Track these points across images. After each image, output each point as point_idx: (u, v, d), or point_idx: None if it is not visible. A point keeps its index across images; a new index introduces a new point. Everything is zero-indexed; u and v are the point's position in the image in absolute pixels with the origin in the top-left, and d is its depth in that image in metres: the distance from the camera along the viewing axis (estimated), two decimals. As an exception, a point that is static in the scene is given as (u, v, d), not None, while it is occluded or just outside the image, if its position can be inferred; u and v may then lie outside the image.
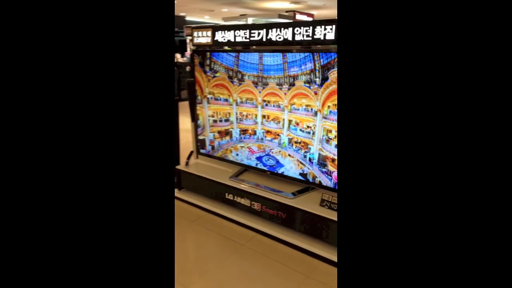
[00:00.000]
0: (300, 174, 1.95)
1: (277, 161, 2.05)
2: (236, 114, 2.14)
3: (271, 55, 1.87)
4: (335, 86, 1.68)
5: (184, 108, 2.49)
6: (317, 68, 1.72)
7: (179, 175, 2.44)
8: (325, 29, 1.65)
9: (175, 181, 2.44)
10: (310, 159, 1.89)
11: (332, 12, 9.18)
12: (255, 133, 2.10)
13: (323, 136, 1.79)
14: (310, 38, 1.71)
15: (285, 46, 1.82)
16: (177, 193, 2.46)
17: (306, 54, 1.74)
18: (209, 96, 2.24)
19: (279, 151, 2.02)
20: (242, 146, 2.19)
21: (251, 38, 1.92)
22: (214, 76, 2.16)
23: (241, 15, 7.96)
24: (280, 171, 2.04)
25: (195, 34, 2.21)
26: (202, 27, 2.19)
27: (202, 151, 2.42)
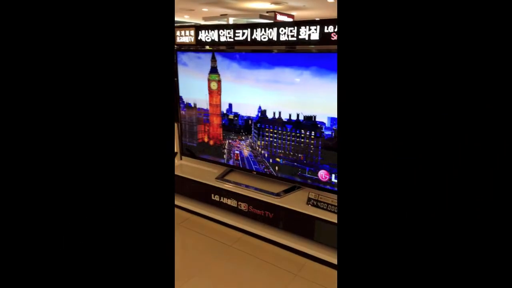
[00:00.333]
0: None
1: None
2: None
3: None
4: (320, 86, 1.70)
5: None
6: (302, 68, 1.73)
7: (163, 177, 2.39)
8: (309, 29, 1.67)
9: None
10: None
11: (311, 13, 9.31)
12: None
13: (308, 135, 1.81)
14: (294, 39, 1.72)
15: (269, 46, 1.82)
16: (161, 195, 2.41)
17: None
18: (193, 96, 2.21)
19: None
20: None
21: (236, 38, 1.91)
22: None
23: (221, 15, 7.91)
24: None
25: (177, 33, 2.18)
26: (185, 26, 2.16)
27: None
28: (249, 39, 1.87)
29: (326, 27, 1.63)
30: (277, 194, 1.97)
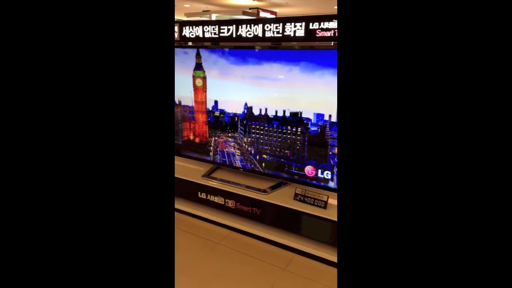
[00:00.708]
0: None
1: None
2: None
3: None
4: (305, 82, 1.71)
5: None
6: (287, 64, 1.74)
7: (148, 176, 2.35)
8: (294, 26, 1.68)
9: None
10: (282, 155, 1.91)
11: (294, 10, 9.36)
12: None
13: (295, 131, 1.82)
14: (280, 35, 1.73)
15: (254, 43, 1.82)
16: (146, 194, 2.37)
17: (276, 50, 1.75)
18: (177, 93, 2.17)
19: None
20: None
21: (221, 34, 1.90)
22: (183, 73, 2.10)
23: (204, 11, 7.82)
24: (253, 168, 2.05)
25: (160, 29, 2.13)
26: (168, 22, 2.12)
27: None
28: (234, 35, 1.86)
29: (311, 23, 1.64)
30: (264, 191, 1.98)
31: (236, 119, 2.03)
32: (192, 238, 1.95)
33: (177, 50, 2.10)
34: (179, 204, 2.22)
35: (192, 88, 2.11)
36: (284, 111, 1.85)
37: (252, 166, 2.05)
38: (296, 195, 1.88)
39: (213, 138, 2.16)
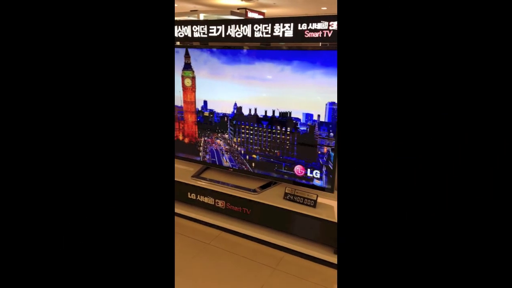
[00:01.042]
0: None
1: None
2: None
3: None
4: (295, 83, 1.73)
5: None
6: (277, 64, 1.75)
7: (136, 177, 2.32)
8: (283, 26, 1.69)
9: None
10: (272, 154, 1.92)
11: (282, 11, 9.40)
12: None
13: (284, 131, 1.83)
14: (269, 35, 1.74)
15: (244, 43, 1.82)
16: (134, 196, 2.33)
17: (265, 51, 1.76)
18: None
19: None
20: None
21: (210, 34, 1.89)
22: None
23: (191, 10, 7.77)
24: (243, 168, 2.05)
25: (148, 28, 2.11)
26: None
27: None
28: (223, 35, 1.86)
29: (299, 24, 1.66)
30: (254, 190, 1.98)
31: (225, 119, 2.03)
32: (182, 239, 1.93)
33: (165, 50, 2.08)
34: (168, 205, 2.20)
35: (181, 88, 2.10)
36: (273, 111, 1.86)
37: (242, 166, 2.06)
38: (285, 194, 1.89)
39: (203, 138, 2.15)
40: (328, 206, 1.82)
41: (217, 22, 1.87)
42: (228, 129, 2.04)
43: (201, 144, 2.17)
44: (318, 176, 1.82)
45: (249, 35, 1.78)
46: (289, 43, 1.71)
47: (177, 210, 2.16)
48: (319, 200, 1.83)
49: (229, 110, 1.99)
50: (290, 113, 1.82)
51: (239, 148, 2.05)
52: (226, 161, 2.11)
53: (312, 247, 1.80)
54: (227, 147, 2.08)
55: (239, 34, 1.81)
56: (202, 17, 6.80)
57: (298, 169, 1.88)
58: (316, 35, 1.64)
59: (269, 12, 9.24)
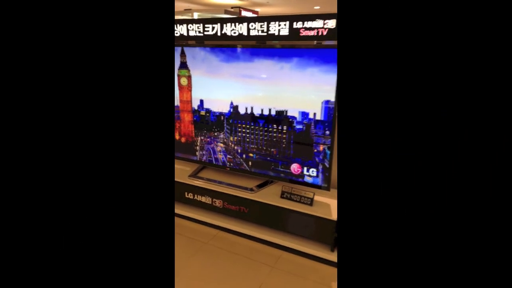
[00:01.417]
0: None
1: (237, 157, 2.05)
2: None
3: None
4: (291, 81, 1.73)
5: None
6: (273, 63, 1.75)
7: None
8: (279, 25, 1.69)
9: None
10: (269, 153, 1.92)
11: (275, 9, 9.40)
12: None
13: (281, 129, 1.83)
14: (264, 34, 1.74)
15: (239, 42, 1.82)
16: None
17: (261, 49, 1.75)
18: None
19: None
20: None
21: (205, 33, 1.89)
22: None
23: (185, 9, 7.72)
24: (239, 167, 2.05)
25: (143, 27, 2.09)
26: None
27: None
28: (219, 34, 1.85)
29: (295, 23, 1.66)
30: (251, 189, 1.98)
31: (222, 118, 2.02)
32: (180, 239, 1.93)
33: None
34: (165, 205, 2.19)
35: (177, 87, 2.09)
36: (269, 110, 1.87)
37: (239, 165, 2.06)
38: (282, 193, 1.90)
39: (199, 138, 2.14)
40: (324, 204, 1.83)
41: (213, 21, 1.86)
42: (225, 128, 2.04)
43: (198, 144, 2.16)
44: (315, 174, 1.83)
45: (245, 33, 1.78)
46: (285, 41, 1.71)
47: (175, 210, 2.15)
48: (316, 198, 1.84)
49: (225, 109, 1.99)
50: (286, 111, 1.83)
51: (235, 147, 2.05)
52: (223, 160, 2.10)
53: (309, 245, 1.81)
54: (223, 146, 2.08)
55: (235, 33, 1.81)
56: (196, 16, 6.77)
57: (294, 167, 1.89)
58: (311, 33, 1.64)
59: (263, 11, 9.24)
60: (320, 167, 1.80)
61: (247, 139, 1.99)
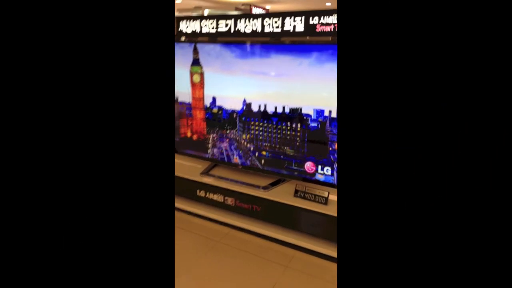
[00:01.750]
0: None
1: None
2: (204, 108, 2.07)
3: (240, 46, 1.83)
4: (306, 78, 1.70)
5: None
6: (287, 60, 1.71)
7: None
8: (294, 20, 1.66)
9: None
10: (282, 151, 1.89)
11: (285, 6, 9.32)
12: (225, 127, 2.06)
13: (295, 127, 1.80)
14: (279, 30, 1.70)
15: (253, 38, 1.79)
16: (143, 193, 2.32)
17: (276, 45, 1.73)
18: (174, 90, 2.13)
19: (251, 145, 2.01)
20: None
21: (219, 29, 1.86)
22: (179, 69, 2.06)
23: (196, 7, 7.72)
24: (252, 165, 2.03)
25: (156, 24, 2.08)
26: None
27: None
28: (232, 31, 1.83)
29: (311, 18, 1.62)
30: (264, 188, 1.96)
31: (234, 115, 2.00)
32: (192, 237, 1.92)
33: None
34: (177, 203, 2.19)
35: (189, 84, 2.07)
36: (283, 107, 1.84)
37: (251, 163, 2.03)
38: (296, 191, 1.87)
39: (211, 135, 2.13)
40: (339, 203, 1.80)
41: (226, 17, 1.84)
42: (237, 125, 2.02)
43: (210, 141, 2.15)
44: (329, 172, 1.79)
45: (259, 29, 1.75)
46: (299, 37, 1.67)
47: (186, 207, 2.15)
48: (331, 197, 1.80)
49: (238, 106, 1.97)
50: (301, 109, 1.79)
51: (248, 145, 2.02)
52: (235, 158, 2.09)
53: (324, 245, 1.78)
54: (236, 144, 2.06)
55: (248, 29, 1.78)
56: (206, 13, 6.75)
57: (308, 166, 1.86)
58: (327, 29, 1.60)
59: (273, 7, 9.17)
60: (335, 165, 1.77)
61: (260, 137, 1.97)
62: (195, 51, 1.97)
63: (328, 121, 1.73)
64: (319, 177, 1.83)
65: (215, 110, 2.06)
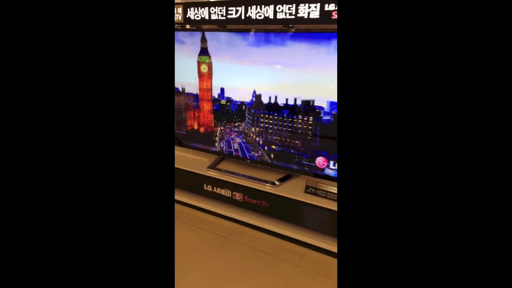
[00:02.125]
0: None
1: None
2: (212, 99, 2.00)
3: (251, 35, 1.74)
4: (320, 68, 1.61)
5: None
6: (301, 49, 1.63)
7: (150, 167, 2.25)
8: (309, 7, 1.56)
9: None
10: (293, 145, 1.82)
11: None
12: (233, 120, 1.98)
13: (307, 120, 1.73)
14: (293, 17, 1.61)
15: (265, 25, 1.70)
16: (148, 187, 2.27)
17: (289, 34, 1.64)
18: (180, 80, 2.05)
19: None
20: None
21: (228, 16, 1.77)
22: (186, 59, 1.97)
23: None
24: (261, 159, 1.96)
25: (162, 11, 1.99)
26: (170, 3, 1.98)
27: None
28: (243, 17, 1.74)
29: (326, 4, 1.53)
30: (273, 183, 1.89)
31: (243, 107, 1.92)
32: (199, 232, 1.87)
33: (179, 34, 1.97)
34: (184, 197, 2.13)
35: (196, 75, 1.99)
36: (295, 99, 1.75)
37: (260, 157, 1.96)
38: (307, 187, 1.80)
39: (219, 128, 2.06)
40: (352, 200, 1.73)
41: (237, 3, 1.74)
42: (246, 118, 1.94)
43: (217, 134, 2.07)
44: (343, 168, 1.72)
45: (271, 16, 1.66)
46: (314, 25, 1.58)
47: (193, 202, 2.09)
48: (344, 194, 1.73)
49: (247, 98, 1.89)
50: (313, 101, 1.71)
51: (257, 139, 1.95)
52: (244, 152, 2.01)
53: (335, 243, 1.72)
54: (244, 137, 1.99)
55: (260, 16, 1.69)
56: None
57: (320, 161, 1.78)
58: (345, 16, 1.51)
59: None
60: (349, 161, 1.69)
61: (270, 130, 1.89)
62: (203, 39, 1.89)
63: (342, 114, 1.65)
64: (330, 172, 1.76)
65: (223, 101, 1.98)
